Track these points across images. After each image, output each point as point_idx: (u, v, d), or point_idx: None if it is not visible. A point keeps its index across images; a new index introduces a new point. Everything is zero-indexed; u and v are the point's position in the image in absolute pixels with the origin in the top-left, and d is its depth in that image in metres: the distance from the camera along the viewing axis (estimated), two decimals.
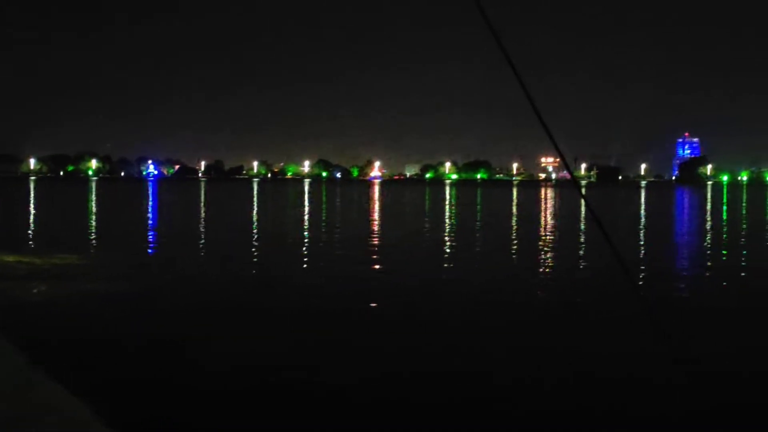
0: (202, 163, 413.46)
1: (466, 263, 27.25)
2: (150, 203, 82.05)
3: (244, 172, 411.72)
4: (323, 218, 55.74)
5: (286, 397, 10.80)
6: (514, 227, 47.98)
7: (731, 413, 10.37)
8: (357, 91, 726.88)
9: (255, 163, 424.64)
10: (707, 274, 24.94)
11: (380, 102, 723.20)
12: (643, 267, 25.99)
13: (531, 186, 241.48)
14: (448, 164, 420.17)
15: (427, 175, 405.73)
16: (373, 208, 75.10)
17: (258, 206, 77.62)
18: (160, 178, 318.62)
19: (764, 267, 26.97)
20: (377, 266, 26.08)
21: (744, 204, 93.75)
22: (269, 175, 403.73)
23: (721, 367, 12.34)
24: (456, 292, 20.19)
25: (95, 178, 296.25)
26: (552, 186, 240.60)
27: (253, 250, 31.93)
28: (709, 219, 59.98)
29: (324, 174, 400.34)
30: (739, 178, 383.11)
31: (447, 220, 55.12)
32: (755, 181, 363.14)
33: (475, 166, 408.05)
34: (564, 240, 37.42)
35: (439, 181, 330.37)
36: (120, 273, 23.14)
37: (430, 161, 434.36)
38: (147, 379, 11.43)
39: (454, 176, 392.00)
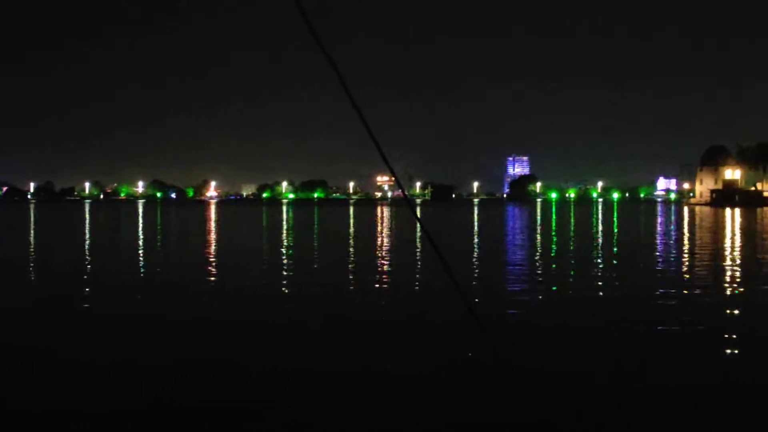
0: (32, 185, 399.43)
1: (302, 284, 27.01)
2: None
3: (76, 193, 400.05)
4: (157, 243, 54.60)
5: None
6: (350, 246, 48.05)
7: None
8: (192, 111, 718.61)
9: (87, 184, 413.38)
10: (537, 290, 25.48)
11: (216, 122, 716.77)
12: (474, 282, 26.48)
13: (367, 205, 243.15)
14: (284, 184, 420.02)
15: (264, 195, 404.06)
16: (210, 229, 74.02)
17: (88, 230, 75.26)
18: None
19: (597, 287, 27.74)
20: (209, 288, 25.66)
21: (572, 220, 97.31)
22: (102, 196, 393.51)
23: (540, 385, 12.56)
24: (290, 311, 19.98)
25: None
26: (388, 205, 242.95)
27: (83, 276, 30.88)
28: (537, 235, 61.80)
29: (159, 194, 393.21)
30: (567, 194, 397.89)
31: (284, 241, 54.76)
32: (582, 198, 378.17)
33: (311, 185, 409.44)
34: (396, 257, 37.72)
35: (275, 201, 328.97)
36: None
37: (267, 181, 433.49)
38: None
39: (291, 196, 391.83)
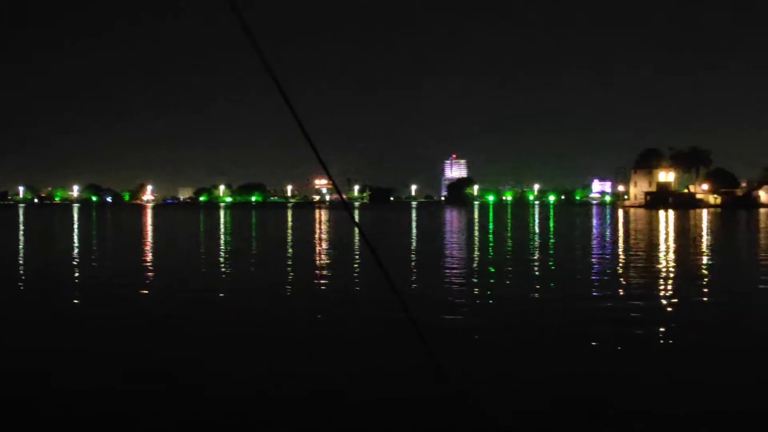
0: None
1: (240, 288, 26.77)
2: None
3: (9, 197, 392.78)
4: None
5: None
6: (288, 251, 47.80)
7: None
8: (128, 115, 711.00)
9: (21, 188, 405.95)
10: (474, 295, 25.53)
11: (153, 125, 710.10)
12: (413, 288, 26.46)
13: (306, 208, 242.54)
14: (222, 187, 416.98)
15: (201, 198, 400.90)
16: (146, 234, 73.10)
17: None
18: None
19: (539, 295, 27.84)
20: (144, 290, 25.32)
21: (509, 222, 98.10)
22: (36, 200, 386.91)
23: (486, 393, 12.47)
24: (231, 316, 19.77)
25: None
26: (327, 208, 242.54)
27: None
28: (476, 239, 62.06)
29: (94, 198, 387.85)
30: (504, 197, 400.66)
31: (222, 245, 54.35)
32: (519, 201, 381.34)
33: (249, 188, 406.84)
34: (335, 261, 37.61)
35: (213, 205, 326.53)
36: None
37: (204, 184, 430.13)
38: None
39: (229, 199, 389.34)
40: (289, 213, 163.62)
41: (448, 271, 33.25)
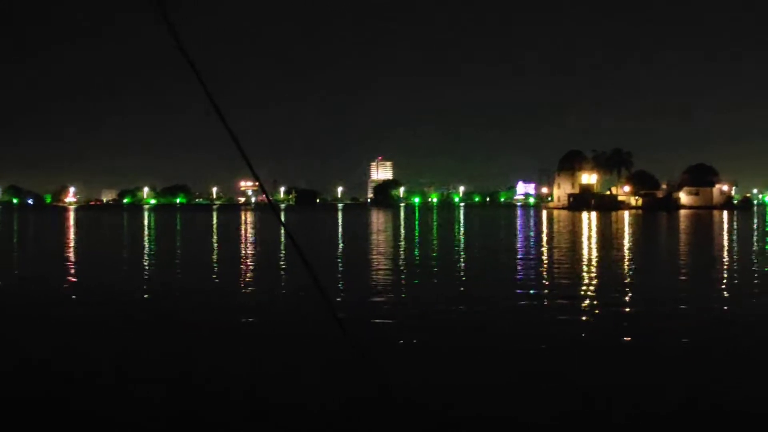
0: None
1: (168, 293, 26.53)
2: None
3: None
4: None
5: None
6: (214, 251, 47.51)
7: None
8: (49, 115, 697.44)
9: None
10: (403, 304, 25.62)
11: (75, 126, 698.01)
12: (341, 290, 26.49)
13: (231, 210, 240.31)
14: (146, 189, 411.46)
15: (125, 200, 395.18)
16: (68, 238, 71.85)
17: None
18: None
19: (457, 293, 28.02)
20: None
21: (435, 223, 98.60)
22: None
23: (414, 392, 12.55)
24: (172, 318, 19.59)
25: None
26: (252, 210, 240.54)
27: None
28: (402, 239, 62.26)
29: (15, 201, 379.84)
30: (430, 199, 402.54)
31: (146, 248, 53.74)
32: (445, 203, 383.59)
33: (174, 190, 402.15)
34: (262, 262, 37.46)
35: (137, 207, 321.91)
36: None
37: (128, 186, 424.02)
38: None
39: (153, 201, 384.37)
40: (214, 215, 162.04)
41: (375, 277, 33.23)
